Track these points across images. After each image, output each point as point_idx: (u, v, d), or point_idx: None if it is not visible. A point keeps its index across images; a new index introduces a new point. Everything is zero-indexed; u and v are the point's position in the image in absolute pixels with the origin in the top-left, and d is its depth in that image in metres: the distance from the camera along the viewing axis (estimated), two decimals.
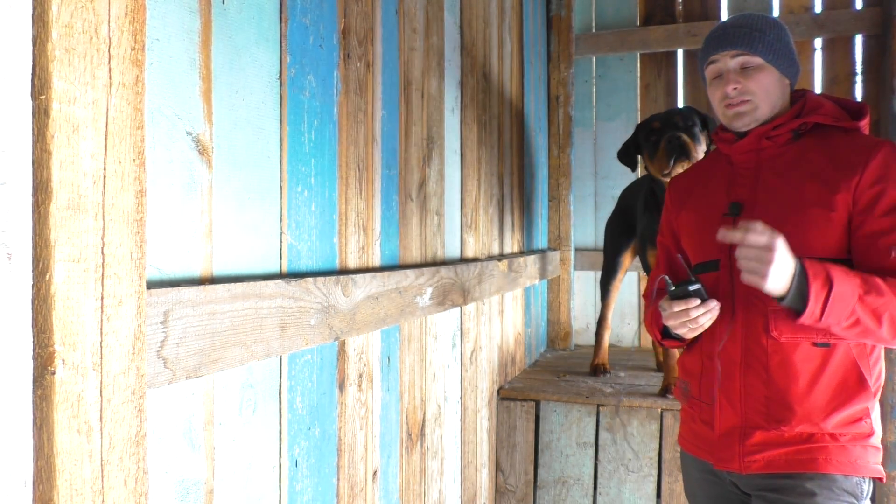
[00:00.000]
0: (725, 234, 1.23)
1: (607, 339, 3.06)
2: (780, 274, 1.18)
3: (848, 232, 1.30)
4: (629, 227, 2.95)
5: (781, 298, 1.22)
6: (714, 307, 1.32)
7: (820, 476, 1.29)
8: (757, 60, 1.38)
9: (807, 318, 1.21)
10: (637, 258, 3.02)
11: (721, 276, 1.39)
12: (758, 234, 1.18)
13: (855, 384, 1.29)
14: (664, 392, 2.54)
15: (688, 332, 1.37)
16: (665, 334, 1.53)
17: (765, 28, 1.39)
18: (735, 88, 1.38)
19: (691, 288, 1.31)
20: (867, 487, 1.32)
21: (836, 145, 1.35)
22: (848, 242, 1.30)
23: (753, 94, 1.38)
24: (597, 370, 2.95)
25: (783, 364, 1.31)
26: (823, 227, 1.29)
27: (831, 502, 1.28)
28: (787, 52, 1.40)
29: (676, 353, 2.65)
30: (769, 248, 1.17)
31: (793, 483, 1.31)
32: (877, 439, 1.32)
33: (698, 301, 1.31)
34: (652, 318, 1.56)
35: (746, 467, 1.35)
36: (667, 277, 1.34)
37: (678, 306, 1.32)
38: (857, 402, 1.29)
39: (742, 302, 1.36)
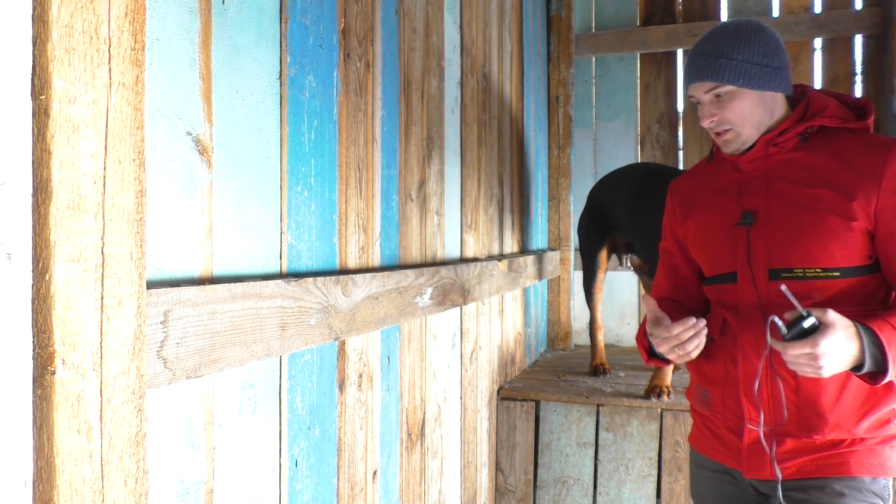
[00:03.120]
0: (772, 341, 1.18)
1: (602, 339, 3.05)
2: (837, 364, 1.14)
3: (869, 238, 1.27)
4: (604, 225, 2.92)
5: (855, 368, 1.18)
6: (702, 329, 1.29)
7: (849, 478, 1.28)
8: (727, 88, 1.33)
9: (887, 380, 1.18)
10: (614, 256, 3.01)
11: (740, 288, 1.36)
12: (798, 347, 1.13)
13: (882, 387, 1.28)
14: (649, 395, 2.52)
15: (676, 358, 1.33)
16: (651, 354, 1.50)
17: (732, 50, 1.31)
18: (712, 120, 1.35)
19: (806, 325, 1.14)
20: (892, 489, 1.32)
21: (846, 148, 1.31)
22: (870, 248, 1.27)
23: (731, 123, 1.34)
24: (597, 370, 2.95)
25: None
26: (843, 236, 1.26)
27: None
28: (763, 69, 1.32)
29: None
30: (813, 358, 1.13)
31: (821, 484, 1.30)
32: None
33: (704, 324, 1.28)
34: (640, 334, 1.53)
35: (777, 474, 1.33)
36: (776, 319, 1.17)
37: (676, 329, 1.27)
38: (885, 404, 1.29)
39: (766, 311, 1.32)
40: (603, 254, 2.97)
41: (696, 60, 1.36)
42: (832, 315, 1.14)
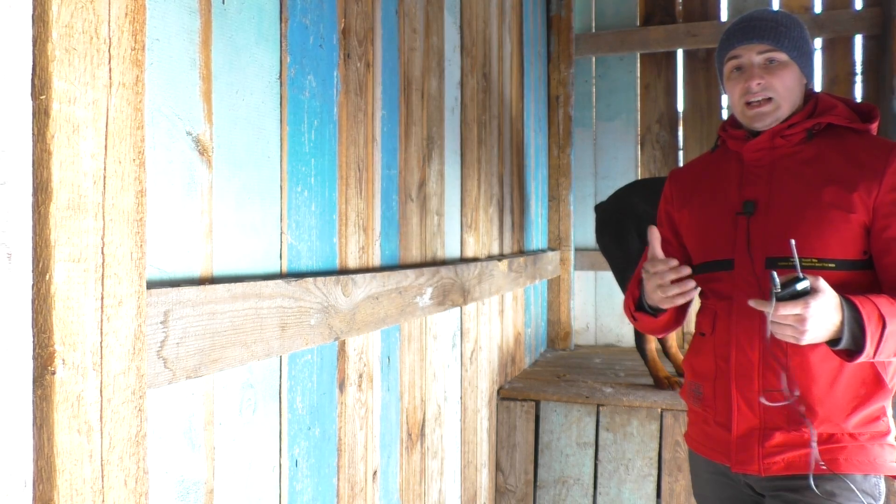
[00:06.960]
0: (757, 303, 1.18)
1: (654, 349, 2.74)
2: (819, 331, 1.15)
3: (866, 233, 1.29)
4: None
5: (832, 342, 1.19)
6: (684, 274, 1.29)
7: (839, 477, 1.29)
8: (783, 56, 1.35)
9: (862, 358, 1.19)
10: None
11: (735, 276, 1.37)
12: (790, 307, 1.13)
13: (872, 383, 1.29)
14: (663, 387, 2.58)
15: (658, 299, 1.34)
16: (638, 307, 1.49)
17: (790, 24, 1.36)
18: (759, 83, 1.34)
19: (799, 287, 1.14)
20: (883, 487, 1.32)
21: (850, 146, 1.34)
22: (865, 244, 1.29)
23: (776, 92, 1.35)
24: (663, 384, 2.65)
25: (802, 365, 1.30)
26: (842, 228, 1.28)
27: (851, 503, 1.27)
28: (809, 51, 1.38)
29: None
30: (801, 320, 1.13)
31: (812, 483, 1.30)
32: (892, 437, 1.32)
33: (687, 271, 1.29)
34: (633, 285, 1.52)
35: (766, 469, 1.33)
36: (775, 274, 1.16)
37: (660, 265, 1.29)
38: (875, 401, 1.29)
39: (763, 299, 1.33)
40: None
41: (753, 23, 1.37)
42: (824, 282, 1.15)
